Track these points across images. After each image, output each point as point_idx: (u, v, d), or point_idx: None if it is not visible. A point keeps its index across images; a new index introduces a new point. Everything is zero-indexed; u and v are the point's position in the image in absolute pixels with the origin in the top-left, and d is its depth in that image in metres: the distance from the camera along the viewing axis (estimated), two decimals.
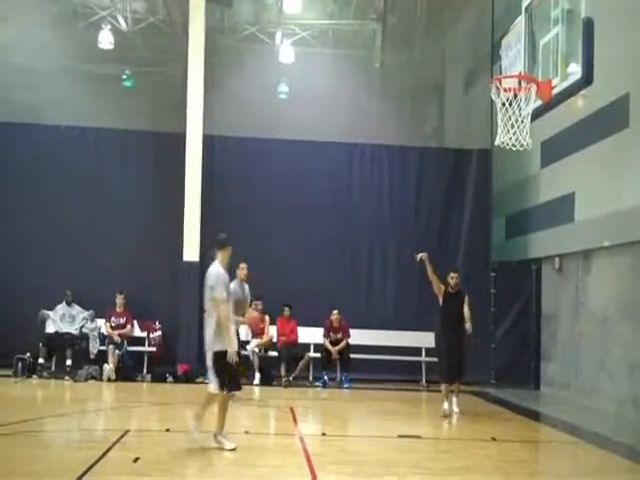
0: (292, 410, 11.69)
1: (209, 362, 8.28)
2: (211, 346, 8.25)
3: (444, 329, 11.56)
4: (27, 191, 15.48)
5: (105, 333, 15.09)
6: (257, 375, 14.60)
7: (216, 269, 8.33)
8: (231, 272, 8.81)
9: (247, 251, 15.39)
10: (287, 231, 15.66)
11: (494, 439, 9.56)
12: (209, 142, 15.61)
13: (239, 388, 8.76)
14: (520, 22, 9.36)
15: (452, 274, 11.63)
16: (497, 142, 9.06)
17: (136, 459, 7.52)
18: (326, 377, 14.93)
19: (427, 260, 11.26)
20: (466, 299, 11.59)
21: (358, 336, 15.25)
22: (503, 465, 8.14)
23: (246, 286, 12.69)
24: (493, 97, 9.01)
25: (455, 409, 11.47)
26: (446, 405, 11.35)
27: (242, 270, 12.54)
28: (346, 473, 7.46)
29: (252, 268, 15.22)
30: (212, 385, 8.30)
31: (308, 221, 15.81)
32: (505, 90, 8.87)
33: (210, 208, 15.34)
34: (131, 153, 16.12)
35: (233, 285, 11.80)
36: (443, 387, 11.61)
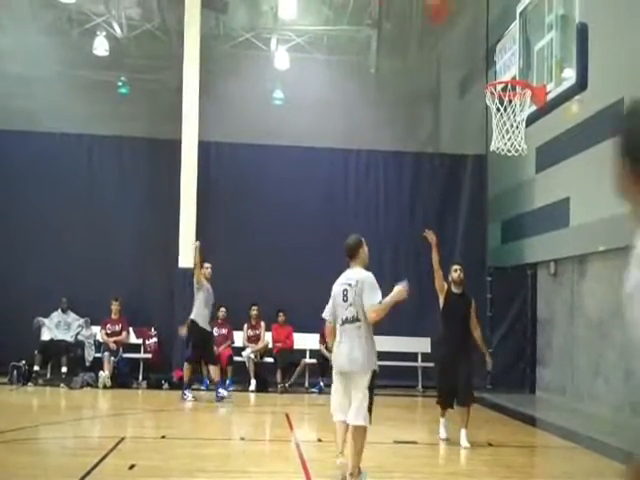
0: (288, 416, 11.67)
1: (363, 386, 6.97)
2: (369, 365, 7.06)
3: (447, 338, 9.54)
4: (22, 198, 15.48)
5: (100, 340, 15.06)
6: (253, 381, 14.59)
7: (365, 272, 7.34)
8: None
9: (242, 257, 15.51)
10: (282, 237, 15.66)
11: (490, 444, 9.55)
12: (204, 148, 15.62)
13: None
14: (515, 27, 9.39)
15: (455, 266, 9.73)
16: (492, 148, 9.08)
17: (132, 466, 7.50)
18: (322, 383, 14.90)
19: (435, 244, 9.55)
20: (473, 306, 9.70)
21: None
22: (499, 470, 8.14)
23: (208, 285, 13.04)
24: (488, 102, 9.03)
25: (465, 443, 9.13)
26: (442, 429, 9.59)
27: (206, 269, 12.99)
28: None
29: (247, 274, 15.30)
30: (362, 418, 6.91)
31: (303, 226, 15.81)
32: (500, 96, 8.89)
33: (206, 214, 15.34)
34: (126, 160, 16.13)
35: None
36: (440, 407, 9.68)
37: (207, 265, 13.02)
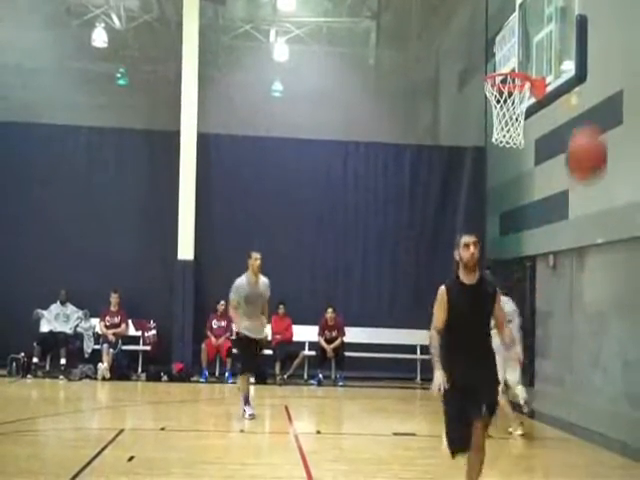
0: (287, 408, 11.69)
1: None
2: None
3: (453, 352, 6.50)
4: (21, 190, 15.42)
5: (99, 332, 15.07)
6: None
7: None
8: None
9: (241, 249, 15.49)
10: (281, 229, 15.65)
11: (489, 436, 9.53)
12: (203, 140, 15.59)
13: None
14: (514, 19, 9.36)
15: (466, 238, 5.97)
16: (494, 139, 9.05)
17: (131, 458, 7.52)
18: (321, 375, 14.93)
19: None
20: (499, 301, 6.28)
21: (353, 334, 15.24)
22: (498, 462, 8.15)
23: (262, 280, 10.95)
24: (487, 94, 9.00)
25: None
26: None
27: (256, 260, 10.80)
28: (341, 471, 7.47)
29: (246, 265, 15.32)
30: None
31: (303, 219, 15.81)
32: (499, 88, 8.87)
33: (204, 206, 15.34)
34: (125, 151, 16.05)
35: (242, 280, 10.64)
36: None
37: (257, 256, 10.93)
